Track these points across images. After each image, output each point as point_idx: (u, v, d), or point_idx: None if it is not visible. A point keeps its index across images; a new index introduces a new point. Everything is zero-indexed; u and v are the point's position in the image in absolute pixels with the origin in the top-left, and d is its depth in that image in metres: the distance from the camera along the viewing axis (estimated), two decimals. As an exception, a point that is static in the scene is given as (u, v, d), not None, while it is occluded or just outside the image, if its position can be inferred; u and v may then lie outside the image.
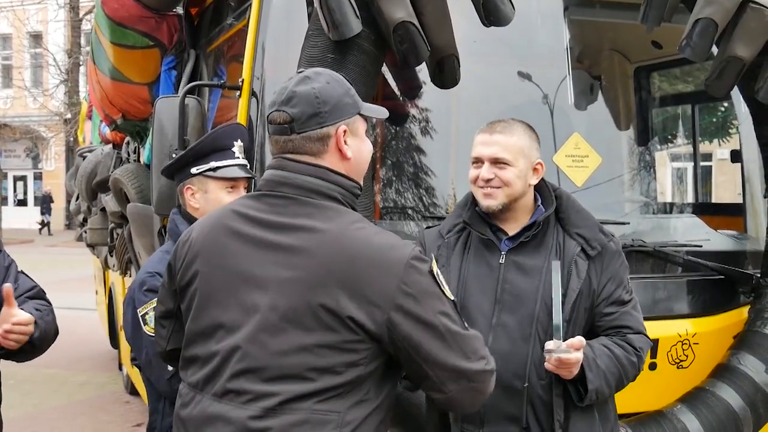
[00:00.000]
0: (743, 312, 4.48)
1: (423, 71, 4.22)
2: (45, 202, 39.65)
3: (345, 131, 2.58)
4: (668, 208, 6.04)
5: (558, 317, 2.98)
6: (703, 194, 9.78)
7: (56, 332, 3.80)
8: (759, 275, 4.48)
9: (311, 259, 2.43)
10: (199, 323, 2.58)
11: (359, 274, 2.40)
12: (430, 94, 4.55)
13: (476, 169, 3.22)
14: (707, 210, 6.17)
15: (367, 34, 3.73)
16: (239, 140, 3.50)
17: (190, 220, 3.45)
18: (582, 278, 3.14)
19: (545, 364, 2.99)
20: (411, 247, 2.48)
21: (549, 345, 2.96)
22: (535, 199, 3.29)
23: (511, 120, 3.28)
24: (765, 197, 4.68)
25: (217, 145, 3.44)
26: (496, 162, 3.17)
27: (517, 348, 3.10)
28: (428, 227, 3.51)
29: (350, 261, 2.41)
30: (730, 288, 4.47)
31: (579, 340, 2.98)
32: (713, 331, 4.31)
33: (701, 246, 4.47)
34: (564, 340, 2.97)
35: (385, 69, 4.28)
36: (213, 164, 3.43)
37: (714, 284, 4.42)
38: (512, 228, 3.23)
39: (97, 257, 10.78)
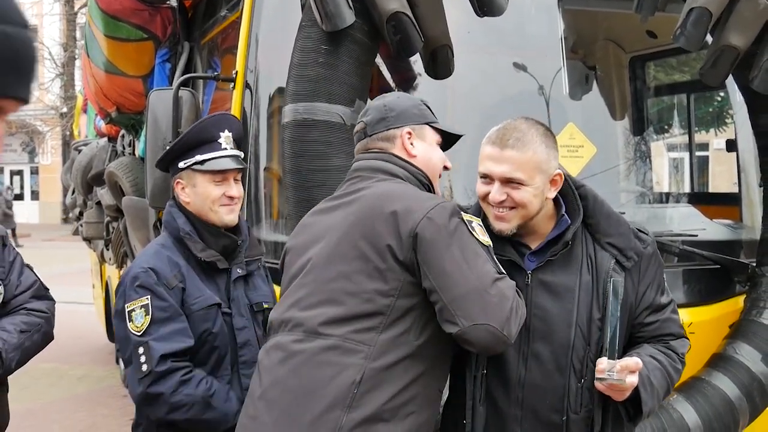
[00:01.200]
0: (739, 301, 4.48)
1: (417, 62, 4.21)
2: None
3: (410, 133, 2.90)
4: (664, 198, 6.03)
5: (609, 335, 2.70)
6: (700, 184, 9.77)
7: (45, 342, 3.81)
8: (755, 264, 4.48)
9: (356, 205, 2.74)
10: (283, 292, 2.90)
11: (396, 210, 2.62)
12: (424, 85, 4.54)
13: (484, 185, 2.81)
14: (703, 200, 6.17)
15: (360, 25, 3.72)
16: (226, 130, 3.41)
17: (186, 212, 3.43)
18: (620, 298, 2.77)
19: (596, 384, 2.70)
20: (446, 200, 2.70)
21: (601, 365, 2.67)
22: (557, 203, 2.90)
23: (525, 125, 2.82)
24: (760, 186, 4.68)
25: (202, 138, 3.37)
26: (509, 182, 2.75)
27: (553, 380, 2.78)
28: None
29: (390, 200, 2.66)
30: (726, 277, 4.47)
31: (635, 362, 2.67)
32: (709, 321, 4.30)
33: (697, 236, 4.46)
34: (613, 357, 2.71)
35: (379, 60, 4.27)
36: (199, 157, 3.36)
37: (710, 273, 4.42)
38: (534, 240, 2.87)
39: (94, 251, 10.78)
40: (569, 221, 2.85)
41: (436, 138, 2.96)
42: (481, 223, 2.72)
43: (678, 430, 3.90)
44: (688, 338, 3.05)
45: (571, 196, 2.90)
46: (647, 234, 2.95)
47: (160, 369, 3.19)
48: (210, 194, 3.36)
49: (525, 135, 2.77)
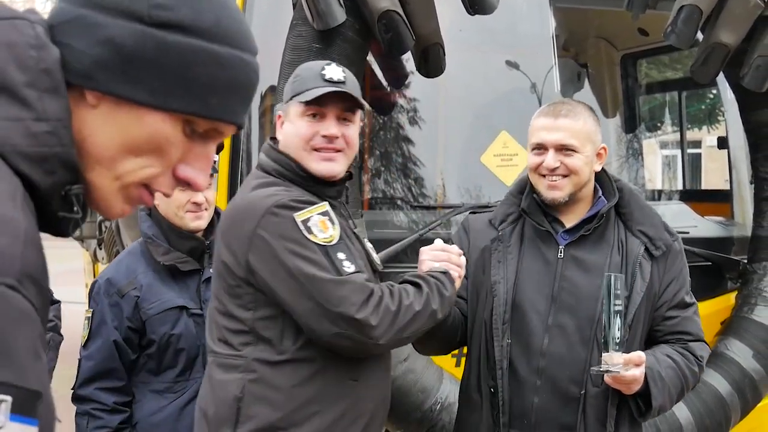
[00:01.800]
0: (730, 298, 4.49)
1: (409, 61, 4.22)
2: None
3: (279, 116, 2.76)
4: (656, 195, 6.05)
5: (610, 331, 2.71)
6: (692, 181, 9.80)
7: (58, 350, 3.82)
8: (746, 261, 4.49)
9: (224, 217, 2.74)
10: None
11: (232, 225, 2.59)
12: (416, 83, 4.55)
13: (537, 156, 2.89)
14: (695, 197, 6.18)
15: (351, 24, 3.72)
16: None
17: (158, 220, 3.44)
18: (647, 281, 2.88)
19: (605, 377, 2.74)
20: (281, 196, 2.55)
21: (604, 358, 2.70)
22: (595, 190, 2.99)
23: (573, 102, 3.03)
24: (751, 183, 4.69)
25: None
26: (563, 149, 2.85)
27: (575, 352, 2.84)
28: (473, 212, 3.25)
29: (230, 216, 2.63)
30: (718, 274, 4.48)
31: (638, 356, 2.71)
32: (701, 318, 4.31)
33: (688, 232, 4.47)
34: (623, 349, 2.73)
35: (370, 58, 4.28)
36: None
37: (701, 270, 4.42)
38: (570, 220, 2.95)
39: (87, 250, 10.75)
40: (606, 202, 2.95)
41: (300, 110, 2.64)
42: (327, 211, 2.58)
43: (670, 426, 3.91)
44: (708, 345, 3.07)
45: (608, 183, 3.01)
46: (675, 233, 3.05)
47: (80, 393, 3.33)
48: (175, 200, 3.35)
49: (575, 107, 2.94)
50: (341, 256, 2.53)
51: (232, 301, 2.58)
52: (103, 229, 8.22)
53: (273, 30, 4.09)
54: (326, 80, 2.60)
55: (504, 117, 4.70)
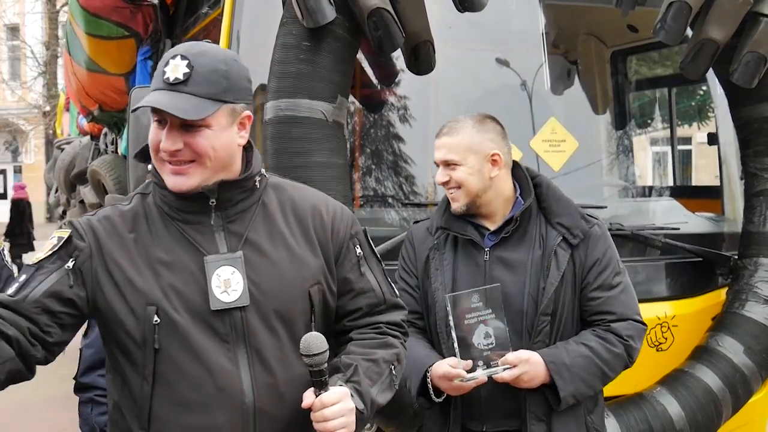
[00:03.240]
0: (721, 294, 4.50)
1: (399, 58, 4.22)
2: None
3: None
4: (647, 192, 6.05)
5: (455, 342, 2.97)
6: (683, 177, 9.83)
7: None
8: (736, 257, 4.50)
9: None
10: None
11: None
12: (406, 81, 4.54)
13: (441, 171, 3.21)
14: (685, 193, 6.18)
15: (341, 21, 3.72)
16: None
17: None
18: (561, 270, 3.07)
19: (505, 377, 2.98)
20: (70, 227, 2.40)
21: (454, 365, 2.97)
22: (516, 189, 3.22)
23: (462, 117, 3.20)
24: (742, 179, 4.70)
25: None
26: (447, 164, 3.13)
27: (512, 345, 3.02)
28: (416, 222, 3.41)
29: None
30: (708, 270, 4.49)
31: (515, 356, 2.96)
32: (692, 314, 4.33)
33: (679, 229, 4.48)
34: (546, 338, 3.06)
35: (361, 56, 4.27)
36: None
37: (692, 266, 4.44)
38: (494, 222, 3.17)
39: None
40: (522, 202, 3.17)
41: (155, 118, 2.33)
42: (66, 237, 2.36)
43: (661, 422, 3.92)
44: (642, 324, 3.19)
45: (525, 182, 3.21)
46: (596, 218, 3.22)
47: (82, 381, 3.28)
48: None
49: (458, 123, 3.16)
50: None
51: None
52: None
53: (263, 28, 4.08)
54: (164, 80, 2.26)
55: (494, 114, 4.68)
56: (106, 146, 7.37)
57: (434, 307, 3.16)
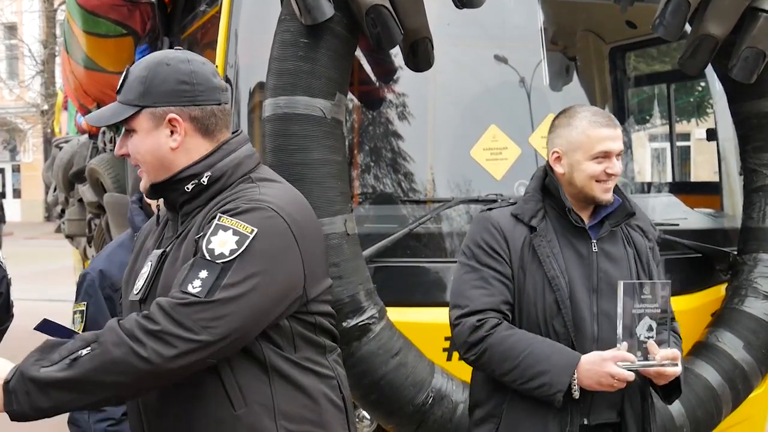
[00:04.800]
0: (721, 290, 4.50)
1: (397, 55, 4.21)
2: None
3: None
4: (646, 188, 6.05)
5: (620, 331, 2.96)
6: (682, 174, 9.82)
7: None
8: (736, 253, 4.50)
9: None
10: None
11: None
12: (405, 77, 4.54)
13: (599, 164, 3.09)
14: (684, 189, 6.19)
15: (339, 18, 3.72)
16: None
17: (149, 213, 3.42)
18: (657, 266, 3.26)
19: (641, 370, 2.97)
20: None
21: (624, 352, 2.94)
22: None
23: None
24: (741, 175, 4.70)
25: None
26: (619, 154, 3.12)
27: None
28: (489, 209, 3.27)
29: None
30: (708, 266, 4.49)
31: (673, 353, 2.97)
32: (691, 310, 4.32)
33: (678, 225, 4.48)
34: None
35: (359, 53, 4.27)
36: None
37: (691, 262, 4.44)
38: (586, 215, 3.18)
39: (76, 248, 10.73)
40: (620, 200, 3.18)
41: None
42: None
43: (661, 418, 3.91)
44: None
45: None
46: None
47: None
48: None
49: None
50: None
51: None
52: (93, 227, 8.21)
53: (261, 25, 4.08)
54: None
55: (493, 111, 4.70)
56: (105, 145, 7.35)
57: (552, 295, 3.07)
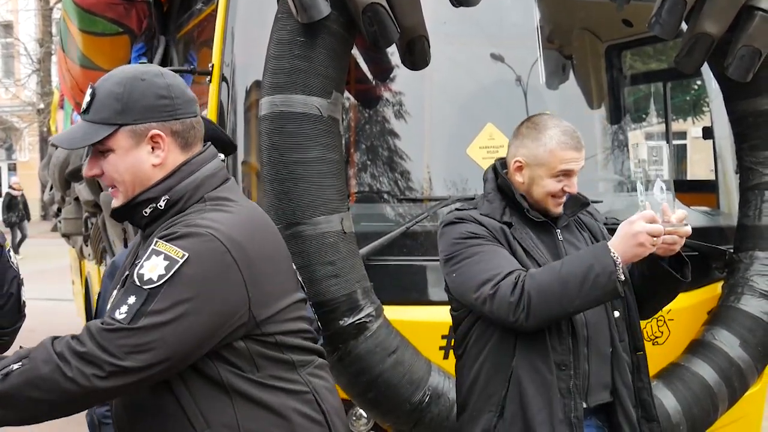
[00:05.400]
0: (717, 287, 4.51)
1: (394, 53, 4.21)
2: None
3: None
4: (642, 186, 6.04)
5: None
6: (678, 172, 9.83)
7: None
8: (732, 250, 4.51)
9: None
10: None
11: None
12: (401, 76, 4.54)
13: (559, 182, 3.16)
14: (680, 187, 6.19)
15: (336, 17, 3.71)
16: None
17: None
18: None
19: (660, 239, 2.93)
20: None
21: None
22: None
23: (567, 122, 3.26)
24: (737, 173, 4.70)
25: None
26: (575, 174, 3.20)
27: (601, 316, 3.13)
28: (458, 209, 3.28)
29: None
30: (704, 264, 4.49)
31: (684, 212, 3.01)
32: (688, 308, 4.33)
33: (674, 223, 4.47)
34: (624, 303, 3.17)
35: (355, 51, 4.27)
36: None
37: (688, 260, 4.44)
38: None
39: (73, 247, 10.72)
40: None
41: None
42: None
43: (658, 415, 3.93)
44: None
45: None
46: None
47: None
48: None
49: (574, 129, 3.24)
50: None
51: None
52: (89, 225, 8.20)
53: (257, 24, 4.08)
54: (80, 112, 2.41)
55: (489, 109, 4.70)
56: (101, 143, 7.34)
57: None
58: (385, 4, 3.66)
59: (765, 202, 4.42)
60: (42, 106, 32.83)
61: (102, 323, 2.20)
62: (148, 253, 2.26)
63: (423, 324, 3.97)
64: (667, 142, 6.33)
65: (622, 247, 2.89)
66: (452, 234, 3.16)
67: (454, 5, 3.98)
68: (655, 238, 2.87)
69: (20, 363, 2.20)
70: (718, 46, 4.09)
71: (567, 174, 3.15)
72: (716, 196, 5.18)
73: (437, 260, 3.96)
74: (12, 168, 42.71)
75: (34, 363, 2.19)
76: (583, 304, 2.95)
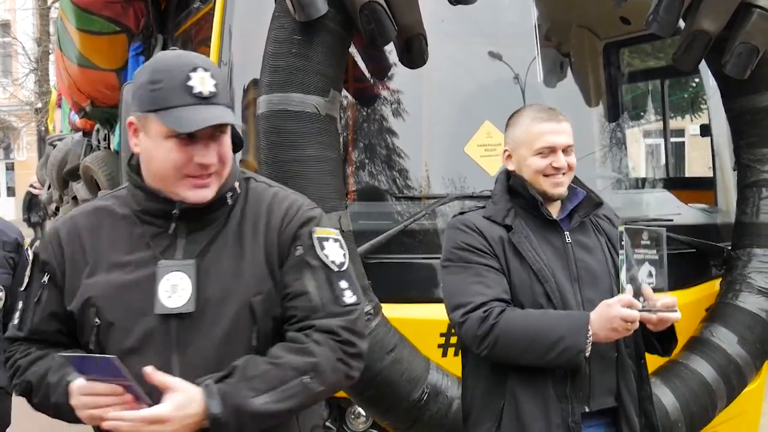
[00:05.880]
0: (715, 285, 4.51)
1: (392, 52, 4.21)
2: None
3: (131, 124, 2.37)
4: (640, 184, 6.06)
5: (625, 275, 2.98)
6: (676, 169, 9.83)
7: None
8: (730, 248, 4.51)
9: None
10: None
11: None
12: (399, 74, 4.54)
13: (544, 158, 3.12)
14: (678, 184, 6.20)
15: (333, 15, 3.71)
16: None
17: None
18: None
19: (643, 314, 2.92)
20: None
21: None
22: None
23: (544, 104, 3.26)
24: (734, 170, 4.71)
25: None
26: (567, 150, 3.14)
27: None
28: (461, 213, 3.30)
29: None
30: (702, 261, 4.50)
31: (672, 300, 2.98)
32: (686, 305, 4.30)
33: (672, 220, 4.49)
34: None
35: (353, 50, 4.27)
36: None
37: (685, 257, 4.44)
38: (553, 210, 3.19)
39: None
40: (585, 192, 3.22)
41: (164, 131, 2.25)
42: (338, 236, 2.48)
43: (656, 412, 3.93)
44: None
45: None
46: None
47: None
48: None
49: (555, 109, 3.21)
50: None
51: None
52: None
53: (255, 22, 4.08)
54: (194, 95, 2.22)
55: (487, 107, 4.69)
56: (99, 142, 7.35)
57: (537, 288, 3.08)
58: (382, 2, 3.66)
59: (762, 199, 4.41)
60: (40, 105, 32.77)
61: (345, 315, 2.33)
62: (315, 241, 2.37)
63: (421, 322, 3.96)
64: (665, 139, 6.34)
65: (598, 325, 2.92)
66: (450, 241, 3.19)
67: (451, 3, 3.99)
68: (629, 324, 2.89)
69: (306, 377, 2.25)
70: (716, 43, 4.09)
71: (551, 149, 3.12)
72: (714, 193, 5.18)
73: (435, 258, 3.97)
74: (10, 167, 42.68)
75: (322, 377, 2.28)
76: (544, 365, 2.98)
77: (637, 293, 2.94)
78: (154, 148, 2.28)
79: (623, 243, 2.94)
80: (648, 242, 3.00)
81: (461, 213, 3.28)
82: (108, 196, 2.51)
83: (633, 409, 3.14)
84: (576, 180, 3.22)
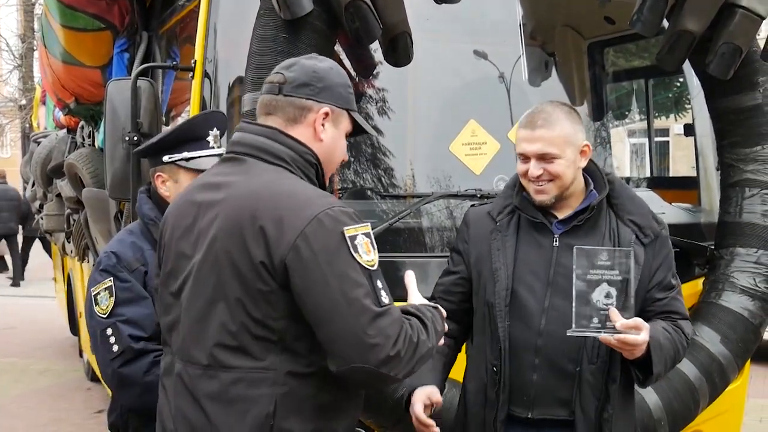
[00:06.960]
0: (698, 284, 4.53)
1: (377, 50, 4.21)
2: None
3: (327, 114, 2.63)
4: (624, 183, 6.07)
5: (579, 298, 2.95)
6: (660, 169, 9.85)
7: None
8: (713, 247, 4.53)
9: (225, 205, 2.49)
10: (163, 296, 2.71)
11: (265, 227, 2.40)
12: (384, 72, 4.54)
13: (523, 163, 3.12)
14: (662, 184, 6.22)
15: (318, 13, 3.72)
16: (215, 129, 3.42)
17: (158, 202, 3.41)
18: (640, 265, 3.10)
19: (609, 338, 2.90)
20: (330, 203, 2.47)
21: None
22: (586, 182, 3.22)
23: (550, 107, 3.14)
24: (718, 170, 4.73)
25: (192, 135, 3.36)
26: (543, 157, 3.07)
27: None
28: (473, 206, 3.41)
29: (259, 207, 2.43)
30: (685, 260, 4.50)
31: (635, 321, 2.91)
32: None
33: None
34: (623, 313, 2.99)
35: (338, 48, 4.26)
36: (186, 154, 3.34)
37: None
38: (563, 212, 3.17)
39: (55, 244, 10.68)
40: (597, 194, 3.17)
41: (348, 128, 2.72)
42: (370, 233, 2.50)
43: (639, 411, 3.93)
44: (691, 322, 3.34)
45: (599, 176, 3.23)
46: (662, 221, 3.27)
47: (132, 348, 3.17)
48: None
49: (551, 115, 3.10)
50: (380, 284, 2.44)
51: (259, 308, 2.42)
52: (71, 222, 8.17)
53: (240, 20, 4.07)
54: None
55: (472, 106, 4.70)
56: (83, 139, 7.32)
57: (491, 287, 3.13)
58: (368, 0, 3.66)
59: (745, 199, 4.43)
60: (24, 102, 32.61)
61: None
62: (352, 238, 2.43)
63: (406, 320, 3.96)
64: (649, 139, 6.36)
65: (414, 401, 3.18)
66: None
67: (436, 2, 3.99)
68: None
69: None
70: (700, 43, 4.11)
71: (524, 156, 3.11)
72: (698, 193, 5.20)
73: (421, 256, 3.99)
74: (-7, 164, 42.46)
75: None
76: None
77: (594, 314, 2.91)
78: (339, 138, 2.68)
79: (573, 261, 2.93)
80: (608, 262, 2.94)
81: (472, 205, 3.44)
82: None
83: (585, 428, 3.09)
84: (612, 180, 3.22)
